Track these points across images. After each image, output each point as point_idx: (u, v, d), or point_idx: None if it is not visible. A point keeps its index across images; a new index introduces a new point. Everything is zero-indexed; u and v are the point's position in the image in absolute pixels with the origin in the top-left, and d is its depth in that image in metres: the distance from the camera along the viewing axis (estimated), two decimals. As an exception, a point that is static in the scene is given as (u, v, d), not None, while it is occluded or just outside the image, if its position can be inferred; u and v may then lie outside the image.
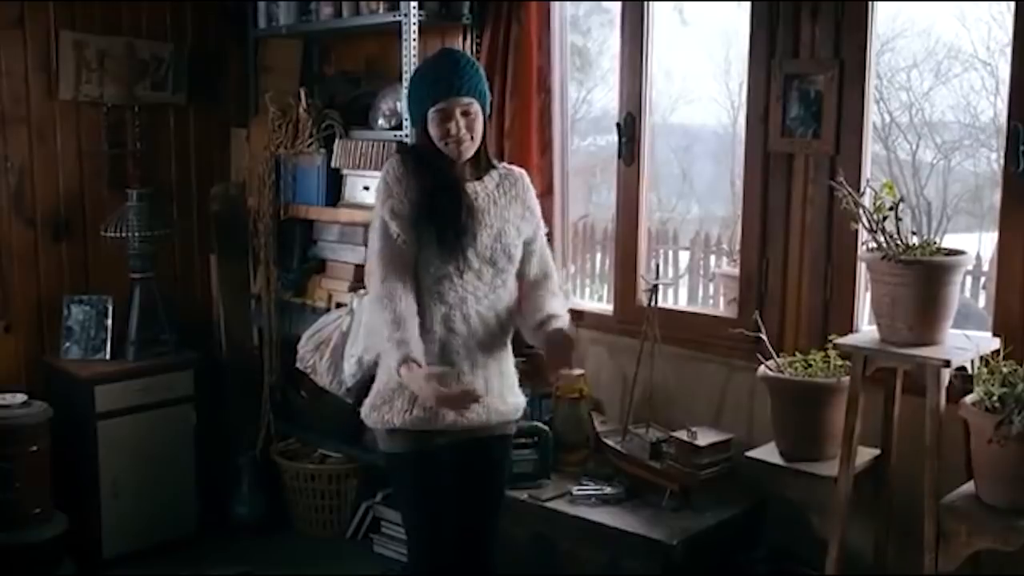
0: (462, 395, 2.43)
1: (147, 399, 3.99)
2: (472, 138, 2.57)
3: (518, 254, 2.66)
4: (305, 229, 4.29)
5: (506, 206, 2.65)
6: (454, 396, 2.41)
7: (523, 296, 2.71)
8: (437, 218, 2.54)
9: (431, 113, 2.54)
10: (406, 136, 3.66)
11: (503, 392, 2.68)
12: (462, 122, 2.54)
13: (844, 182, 2.77)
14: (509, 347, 2.72)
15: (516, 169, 2.76)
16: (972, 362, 2.69)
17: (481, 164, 2.67)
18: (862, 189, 2.88)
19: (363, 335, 3.11)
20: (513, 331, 2.72)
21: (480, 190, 2.63)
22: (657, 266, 4.02)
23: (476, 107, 2.56)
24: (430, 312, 2.56)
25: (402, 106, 3.70)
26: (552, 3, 3.67)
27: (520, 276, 2.71)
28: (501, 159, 3.62)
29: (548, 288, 2.74)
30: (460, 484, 2.68)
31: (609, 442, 3.43)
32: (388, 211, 2.55)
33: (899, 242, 2.66)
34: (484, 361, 2.63)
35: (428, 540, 2.70)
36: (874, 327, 2.80)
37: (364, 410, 2.69)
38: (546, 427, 3.48)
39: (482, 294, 2.60)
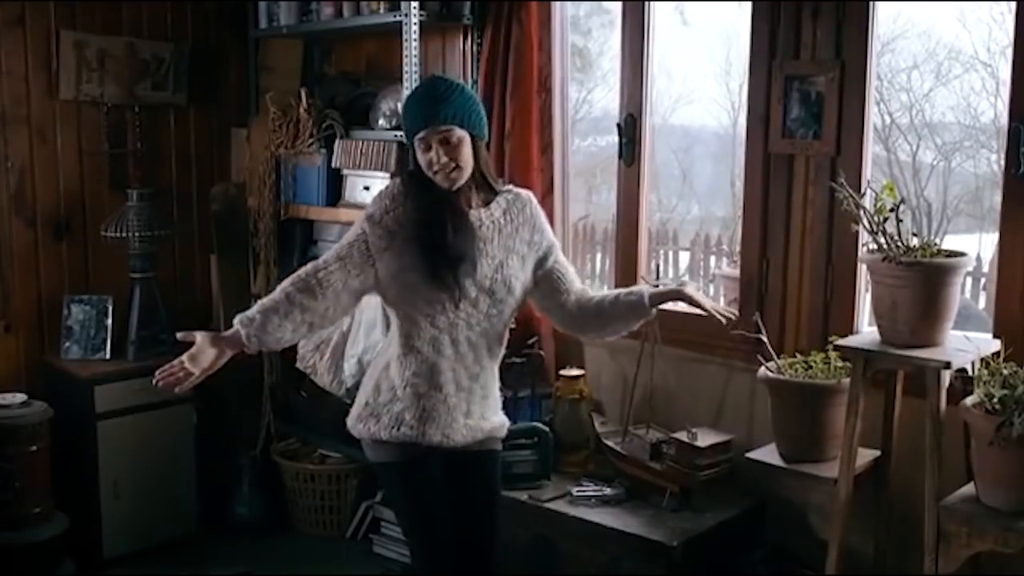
0: (171, 371, 2.44)
1: (147, 399, 3.98)
2: (459, 166, 2.49)
3: (518, 286, 2.60)
4: (305, 229, 4.29)
5: (512, 234, 2.59)
6: (165, 370, 2.44)
7: (581, 309, 2.65)
8: (430, 247, 2.49)
9: (415, 142, 2.51)
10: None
11: (485, 413, 2.66)
12: (441, 151, 2.46)
13: (845, 183, 2.77)
14: (495, 370, 2.69)
15: (524, 193, 2.69)
16: (972, 364, 2.68)
17: (483, 190, 2.60)
18: (863, 190, 2.88)
19: (363, 335, 3.12)
20: (502, 355, 2.69)
21: (485, 218, 2.57)
22: (657, 267, 4.03)
23: (458, 133, 2.48)
24: (420, 333, 2.54)
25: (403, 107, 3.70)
26: (553, 3, 3.67)
27: (563, 297, 2.65)
28: (501, 162, 3.64)
29: (586, 287, 2.72)
30: (451, 497, 2.67)
31: (609, 443, 3.43)
32: (366, 223, 2.53)
33: (900, 243, 2.66)
34: (469, 385, 2.60)
35: (426, 544, 2.70)
36: (874, 328, 2.80)
37: (350, 421, 2.69)
38: (546, 428, 3.48)
39: (475, 321, 2.55)
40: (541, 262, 2.65)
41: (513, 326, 2.73)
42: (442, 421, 2.58)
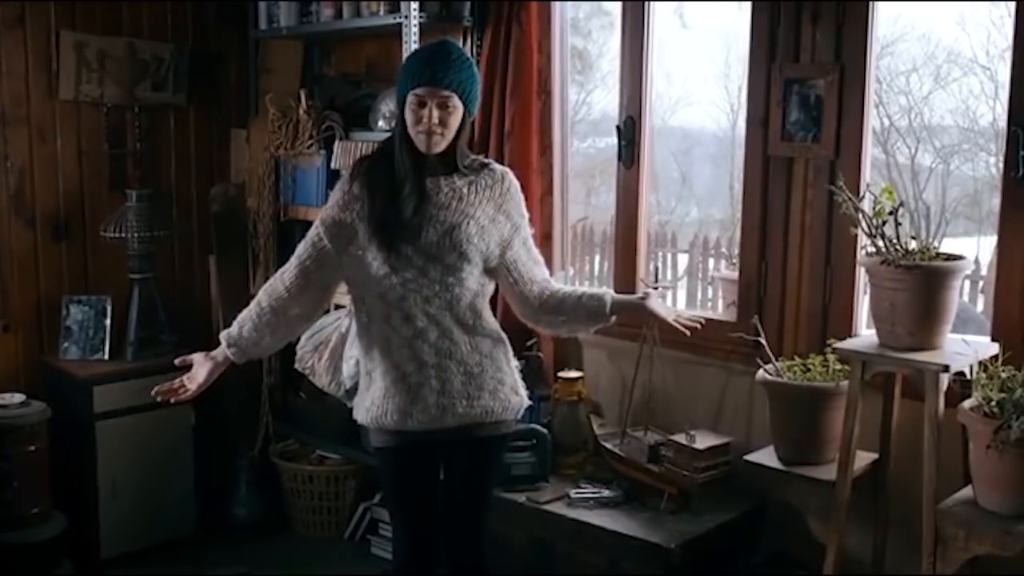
0: (170, 386, 2.63)
1: (146, 399, 3.87)
2: (443, 133, 2.49)
3: (474, 252, 2.52)
4: (305, 230, 4.25)
5: (473, 203, 2.55)
6: (166, 385, 2.63)
7: (542, 302, 2.64)
8: (369, 215, 2.51)
9: (409, 97, 2.49)
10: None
11: (471, 393, 2.56)
12: (435, 113, 2.47)
13: (844, 186, 2.77)
14: (487, 348, 2.60)
15: (499, 168, 2.65)
16: (971, 367, 2.69)
17: (451, 161, 2.56)
18: (861, 193, 2.89)
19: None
20: (489, 330, 2.61)
21: (445, 185, 2.55)
22: (656, 269, 4.03)
23: (455, 102, 2.48)
24: (373, 311, 2.55)
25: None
26: (553, 5, 3.67)
27: (524, 286, 2.63)
28: (501, 163, 3.63)
29: (551, 279, 2.70)
30: (442, 483, 2.68)
31: (607, 445, 3.43)
32: (319, 223, 2.61)
33: (898, 247, 2.67)
34: (438, 362, 2.53)
35: (398, 531, 2.74)
36: (873, 331, 2.80)
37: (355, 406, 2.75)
38: (544, 430, 3.48)
39: (430, 293, 2.50)
40: (504, 245, 2.60)
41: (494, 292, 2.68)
42: (402, 400, 2.54)
